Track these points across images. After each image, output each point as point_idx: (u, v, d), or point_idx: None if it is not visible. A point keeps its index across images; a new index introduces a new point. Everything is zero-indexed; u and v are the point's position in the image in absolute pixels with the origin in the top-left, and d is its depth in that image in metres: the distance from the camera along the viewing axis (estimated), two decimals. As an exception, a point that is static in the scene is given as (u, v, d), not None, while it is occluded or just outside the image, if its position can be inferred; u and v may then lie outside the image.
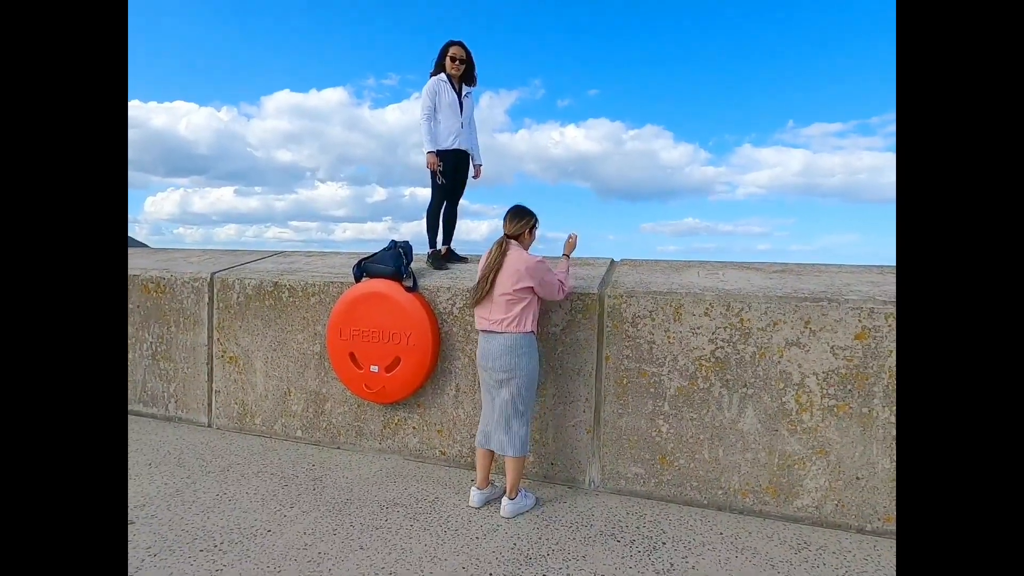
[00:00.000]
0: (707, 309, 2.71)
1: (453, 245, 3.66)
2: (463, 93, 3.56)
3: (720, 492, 2.70)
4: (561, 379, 2.95)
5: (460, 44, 3.54)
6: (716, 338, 2.69)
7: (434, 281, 3.27)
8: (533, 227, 2.76)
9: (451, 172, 3.51)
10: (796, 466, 2.59)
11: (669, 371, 2.76)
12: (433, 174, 3.48)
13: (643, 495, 2.82)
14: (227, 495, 2.74)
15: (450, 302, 3.17)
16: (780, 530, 2.51)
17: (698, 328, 2.72)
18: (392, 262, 3.24)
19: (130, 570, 2.09)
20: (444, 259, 3.57)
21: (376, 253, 3.37)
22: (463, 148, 3.55)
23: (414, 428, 3.27)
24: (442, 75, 3.51)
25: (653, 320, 2.79)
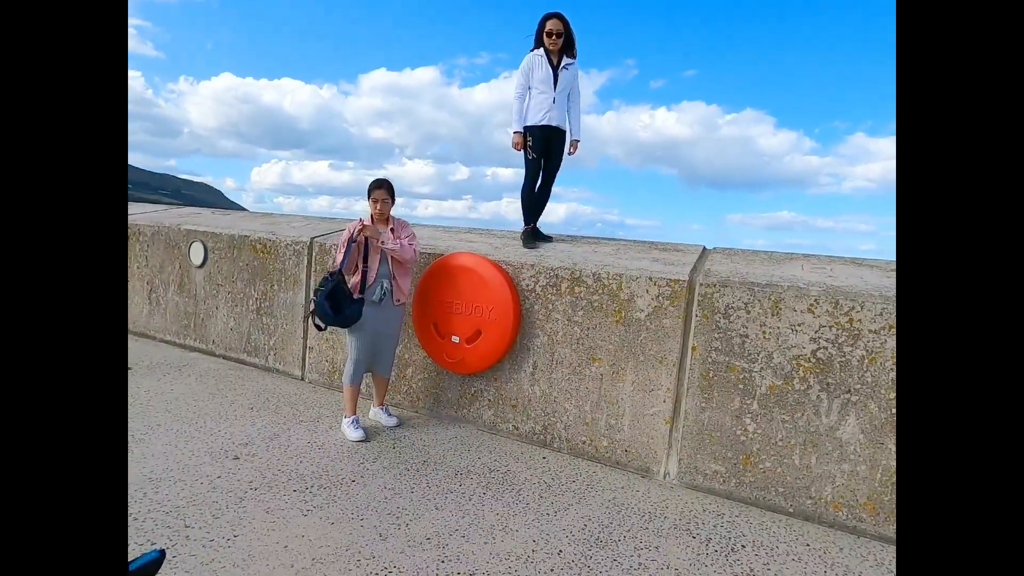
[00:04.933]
0: (811, 305, 2.50)
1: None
2: (560, 66, 3.46)
3: (809, 502, 2.52)
4: (642, 366, 2.86)
5: (557, 16, 3.43)
6: (819, 337, 2.48)
7: (519, 258, 3.27)
8: (368, 196, 3.09)
9: (540, 148, 3.47)
10: (902, 484, 2.35)
11: (762, 368, 2.60)
12: (526, 151, 3.46)
13: (721, 494, 2.69)
14: (317, 443, 2.95)
15: (533, 279, 3.17)
16: (877, 551, 2.31)
17: (799, 325, 2.52)
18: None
19: (234, 500, 2.31)
20: (530, 236, 3.56)
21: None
22: (553, 124, 3.46)
23: (489, 401, 3.33)
24: (539, 50, 3.45)
25: (748, 313, 2.63)
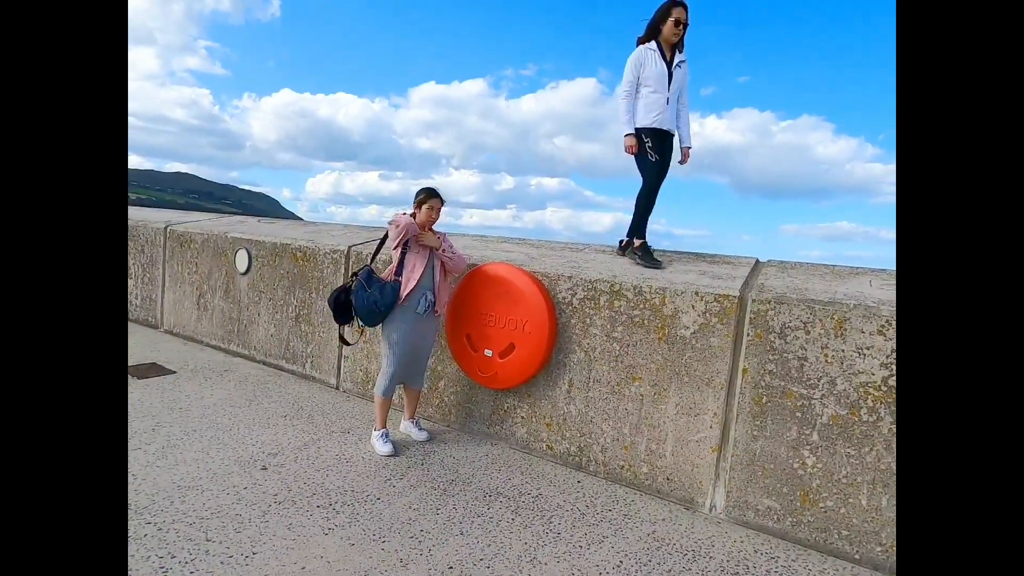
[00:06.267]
0: (882, 327, 2.23)
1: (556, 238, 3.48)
2: (675, 62, 3.12)
3: (879, 549, 2.23)
4: (686, 388, 2.65)
5: (684, 5, 3.04)
6: (892, 363, 2.20)
7: (555, 269, 3.13)
8: (419, 204, 2.98)
9: (659, 149, 3.13)
10: (993, 537, 2.03)
11: (823, 395, 2.33)
12: (644, 152, 3.13)
13: (775, 533, 2.44)
14: (345, 456, 2.89)
15: (570, 292, 3.01)
16: (962, 612, 2.00)
17: (867, 349, 2.25)
18: None
19: (258, 514, 2.26)
20: (624, 249, 3.25)
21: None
22: (664, 128, 3.12)
23: (523, 418, 3.18)
24: (651, 43, 3.11)
25: (807, 333, 2.37)
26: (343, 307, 2.99)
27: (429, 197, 2.98)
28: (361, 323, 2.96)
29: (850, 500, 2.28)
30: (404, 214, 2.98)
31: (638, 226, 3.20)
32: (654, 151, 3.10)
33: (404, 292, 2.92)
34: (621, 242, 3.37)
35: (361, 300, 2.90)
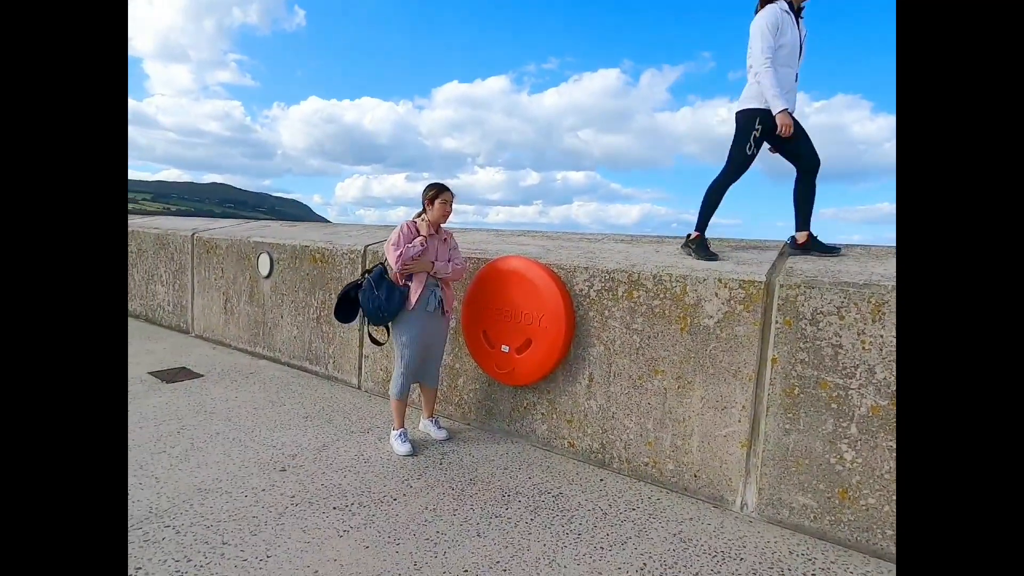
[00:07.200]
0: (925, 309, 2.05)
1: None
2: (803, 33, 2.64)
3: (928, 550, 2.05)
4: (712, 380, 2.51)
5: None
6: (937, 348, 2.02)
7: (571, 260, 3.03)
8: (431, 199, 2.87)
9: (762, 143, 2.70)
10: (1059, 537, 1.84)
11: (861, 385, 2.17)
12: (745, 140, 2.64)
13: (812, 532, 2.28)
14: (363, 456, 2.87)
15: (587, 283, 2.91)
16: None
17: (909, 333, 2.07)
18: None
19: (274, 516, 2.25)
20: (801, 248, 2.70)
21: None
22: (791, 109, 2.61)
23: (543, 415, 3.10)
24: (782, 3, 2.58)
25: (841, 319, 2.21)
26: (351, 303, 2.98)
27: (441, 191, 2.91)
28: (368, 322, 2.95)
29: (895, 497, 2.12)
30: (409, 225, 2.90)
31: (704, 218, 2.83)
32: (756, 143, 2.62)
33: (413, 299, 2.87)
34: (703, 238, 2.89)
35: (367, 301, 2.88)
